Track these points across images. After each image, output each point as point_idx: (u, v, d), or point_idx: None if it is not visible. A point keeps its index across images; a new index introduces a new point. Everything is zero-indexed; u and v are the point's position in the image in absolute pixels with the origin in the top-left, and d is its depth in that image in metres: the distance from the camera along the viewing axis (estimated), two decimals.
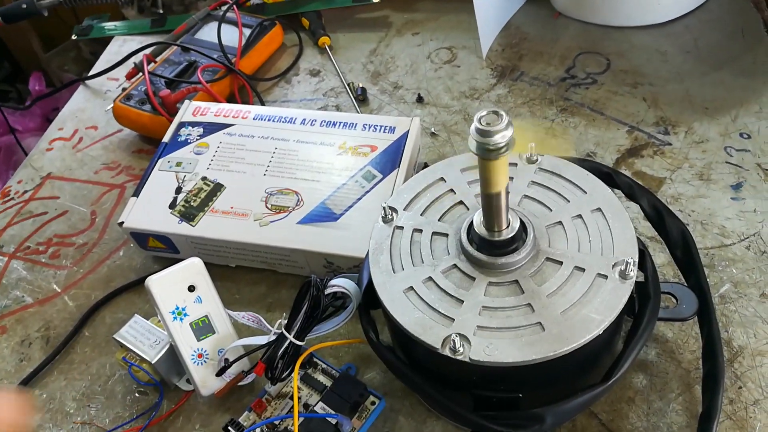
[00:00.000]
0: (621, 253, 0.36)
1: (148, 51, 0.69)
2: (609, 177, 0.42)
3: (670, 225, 0.42)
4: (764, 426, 0.39)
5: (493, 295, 0.35)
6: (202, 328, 0.44)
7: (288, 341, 0.41)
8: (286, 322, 0.41)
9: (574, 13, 0.69)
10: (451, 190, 0.41)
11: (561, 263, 0.36)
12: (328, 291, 0.41)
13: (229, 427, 0.42)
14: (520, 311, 0.35)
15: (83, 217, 0.60)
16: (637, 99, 0.60)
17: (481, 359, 0.33)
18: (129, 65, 0.70)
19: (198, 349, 0.44)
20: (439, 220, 0.40)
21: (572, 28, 0.68)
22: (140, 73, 0.67)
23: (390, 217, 0.41)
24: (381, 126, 0.55)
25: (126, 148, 0.66)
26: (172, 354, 0.44)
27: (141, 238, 0.52)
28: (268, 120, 0.57)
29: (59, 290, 0.55)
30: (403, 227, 0.40)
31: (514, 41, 0.68)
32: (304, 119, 0.57)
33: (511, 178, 0.41)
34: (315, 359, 0.45)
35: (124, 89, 0.67)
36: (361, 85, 0.66)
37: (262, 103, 0.67)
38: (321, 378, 0.44)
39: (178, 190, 0.53)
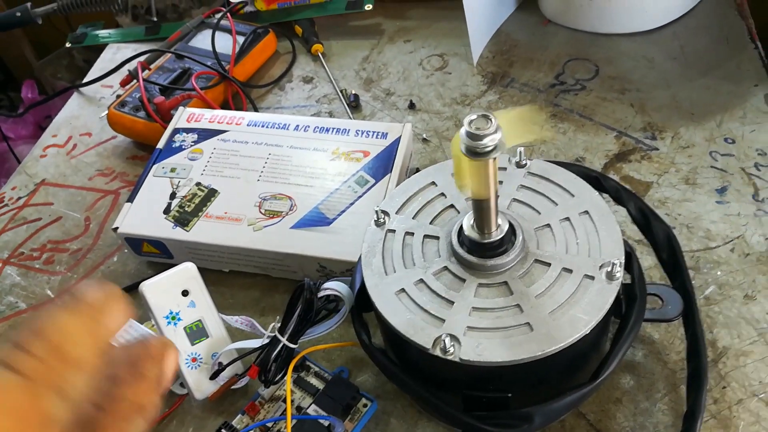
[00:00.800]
0: (608, 254, 0.37)
1: (142, 58, 0.70)
2: (597, 181, 0.43)
3: (656, 228, 0.42)
4: (747, 425, 0.39)
5: (482, 297, 0.36)
6: (196, 333, 0.45)
7: (281, 344, 0.41)
8: (279, 325, 0.42)
9: (563, 21, 0.70)
10: (442, 194, 0.42)
11: (549, 265, 0.37)
12: (320, 294, 0.42)
13: (223, 430, 0.42)
14: (510, 312, 0.35)
15: (77, 223, 0.60)
16: (625, 105, 0.61)
17: (471, 359, 0.34)
18: (123, 72, 0.70)
19: (192, 353, 0.44)
20: (430, 223, 0.41)
21: (561, 35, 0.69)
22: (134, 80, 0.67)
23: (382, 221, 0.41)
24: (373, 132, 0.56)
25: (120, 154, 0.67)
26: None
27: (135, 243, 0.53)
28: (262, 126, 0.58)
29: (53, 296, 0.55)
30: (395, 230, 0.41)
31: (505, 48, 0.69)
32: (298, 125, 0.57)
33: (500, 182, 0.41)
34: (308, 362, 0.45)
35: (118, 96, 0.68)
36: (353, 92, 0.67)
37: (256, 110, 0.68)
38: (314, 381, 0.45)
39: (173, 196, 0.54)
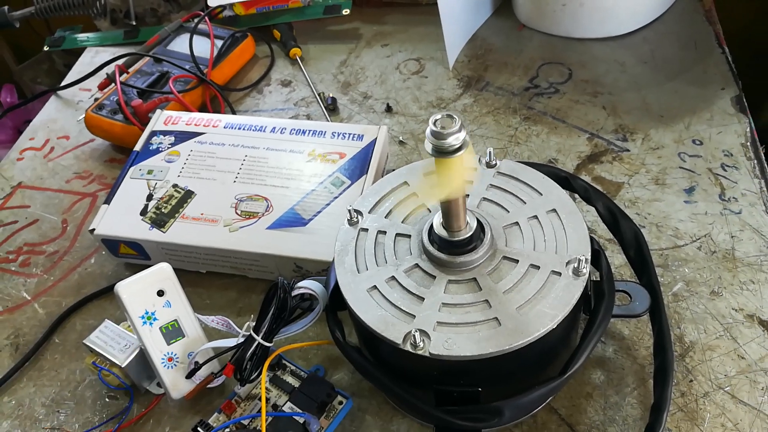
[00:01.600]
0: (574, 251, 0.38)
1: (120, 62, 0.70)
2: (566, 181, 0.44)
3: (624, 227, 0.43)
4: (713, 417, 0.41)
5: (452, 293, 0.37)
6: (172, 332, 0.45)
7: (256, 343, 0.42)
8: (254, 324, 0.42)
9: (538, 26, 0.71)
10: (414, 194, 0.43)
11: (517, 261, 0.38)
12: (295, 293, 0.42)
13: (199, 428, 0.42)
14: (478, 307, 0.36)
15: (54, 226, 0.60)
16: (597, 107, 0.62)
17: (440, 353, 0.34)
18: (101, 76, 0.71)
19: (168, 353, 0.44)
20: (402, 222, 0.41)
21: (536, 40, 0.71)
22: (112, 84, 0.67)
23: (355, 220, 0.42)
24: (349, 134, 0.56)
25: (98, 157, 0.67)
26: (143, 358, 0.45)
27: (112, 244, 0.53)
28: (239, 128, 0.58)
29: (29, 298, 0.55)
30: (368, 229, 0.41)
31: (480, 52, 0.71)
32: (274, 127, 0.58)
33: (470, 182, 0.42)
34: (284, 361, 0.46)
35: (96, 99, 0.68)
36: (331, 95, 0.68)
37: (234, 113, 0.68)
38: (290, 379, 0.45)
39: (149, 198, 0.54)
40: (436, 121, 0.32)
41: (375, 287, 0.38)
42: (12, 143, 1.20)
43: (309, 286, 0.42)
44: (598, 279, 0.40)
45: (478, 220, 0.38)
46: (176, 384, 0.44)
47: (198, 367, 0.44)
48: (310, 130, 0.57)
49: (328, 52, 0.74)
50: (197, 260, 0.52)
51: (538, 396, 0.36)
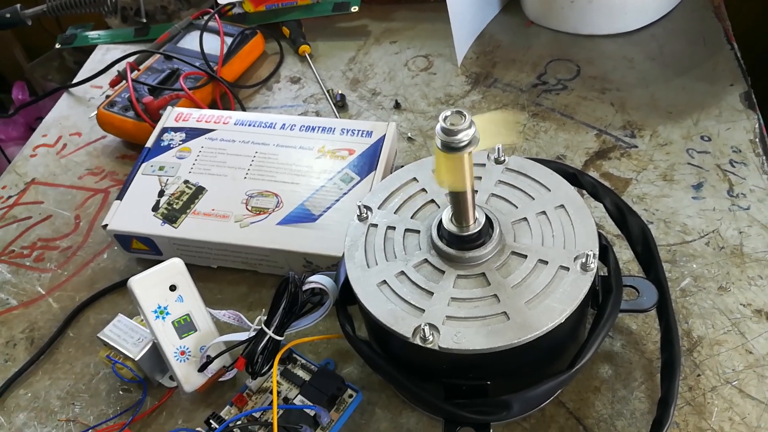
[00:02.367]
0: (582, 246, 0.38)
1: (131, 59, 0.70)
2: (574, 177, 0.45)
3: (632, 223, 0.44)
4: (721, 411, 0.41)
5: (461, 287, 0.37)
6: (184, 326, 0.45)
7: (267, 337, 0.42)
8: (265, 318, 0.43)
9: (546, 22, 0.71)
10: (423, 190, 0.43)
11: (525, 257, 0.38)
12: (305, 287, 0.43)
13: (211, 420, 0.43)
14: (487, 302, 0.36)
15: (67, 221, 0.61)
16: (605, 104, 0.62)
17: (449, 347, 0.35)
18: (113, 73, 0.71)
19: (180, 347, 0.45)
20: (411, 217, 0.42)
21: (543, 37, 0.71)
22: (124, 81, 0.68)
23: (365, 216, 0.42)
24: (358, 130, 0.57)
25: (110, 153, 0.67)
26: (155, 351, 0.46)
27: (125, 240, 0.54)
28: (249, 125, 0.59)
29: (44, 292, 0.56)
30: (377, 225, 0.42)
31: (488, 49, 0.71)
32: (284, 124, 0.58)
33: (479, 178, 0.43)
34: (294, 355, 0.46)
35: (107, 96, 0.68)
36: (340, 92, 0.68)
37: (244, 110, 0.69)
38: (300, 373, 0.46)
39: (161, 194, 0.54)
40: (446, 117, 0.32)
41: (385, 282, 0.39)
42: (24, 140, 1.22)
43: (319, 280, 0.42)
44: (606, 274, 0.40)
45: (487, 216, 0.38)
46: (189, 377, 0.45)
47: (210, 360, 0.44)
48: (319, 127, 0.58)
49: (337, 49, 0.75)
50: (208, 255, 0.53)
51: (546, 390, 0.37)
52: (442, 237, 0.39)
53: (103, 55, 0.81)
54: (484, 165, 0.43)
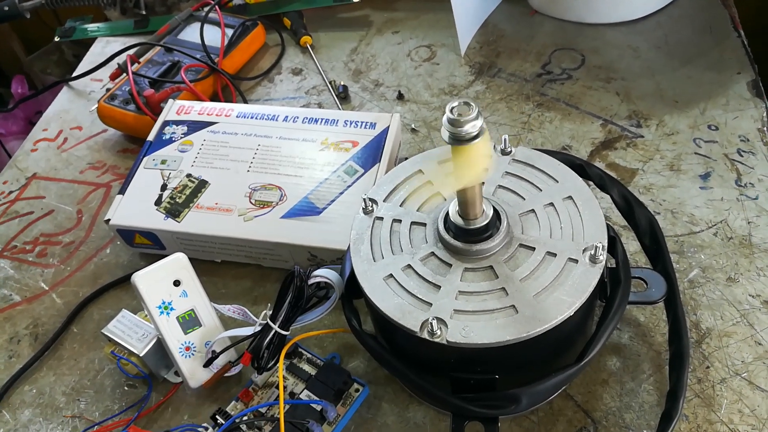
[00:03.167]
0: (591, 238, 0.38)
1: (131, 51, 0.70)
2: (581, 169, 0.44)
3: (639, 214, 0.43)
4: (730, 403, 0.41)
5: (468, 281, 0.37)
6: (189, 322, 0.45)
7: (273, 331, 0.42)
8: (271, 312, 0.42)
9: (550, 11, 0.71)
10: (429, 182, 0.43)
11: (533, 249, 0.38)
12: (311, 281, 0.42)
13: (217, 416, 0.43)
14: (495, 295, 0.36)
15: (69, 216, 0.61)
16: (611, 93, 0.61)
17: (457, 341, 0.34)
18: (113, 66, 0.71)
19: (185, 342, 0.45)
20: (417, 210, 0.41)
21: (548, 26, 0.70)
22: (124, 74, 0.67)
23: (370, 209, 0.42)
24: (362, 122, 0.56)
25: (111, 147, 0.67)
26: (160, 347, 0.45)
27: (127, 234, 0.53)
28: (251, 117, 0.58)
29: (47, 288, 0.55)
30: (382, 218, 0.41)
31: (492, 39, 0.70)
32: (287, 116, 0.58)
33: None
34: (300, 349, 0.46)
35: (108, 90, 0.68)
36: (342, 83, 0.67)
37: (245, 102, 0.68)
38: (306, 367, 0.45)
39: (164, 187, 0.54)
40: (452, 108, 0.32)
41: (391, 275, 0.38)
42: (24, 134, 1.21)
43: (325, 274, 0.42)
44: (614, 266, 0.40)
45: (494, 208, 0.38)
46: (194, 373, 0.45)
47: (215, 355, 0.44)
48: (322, 119, 0.57)
49: (339, 39, 0.74)
50: (212, 249, 0.53)
51: (554, 383, 0.37)
52: (448, 230, 0.38)
53: (102, 48, 0.80)
54: (490, 157, 0.43)
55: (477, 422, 0.38)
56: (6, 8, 0.79)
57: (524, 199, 0.40)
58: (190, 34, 0.72)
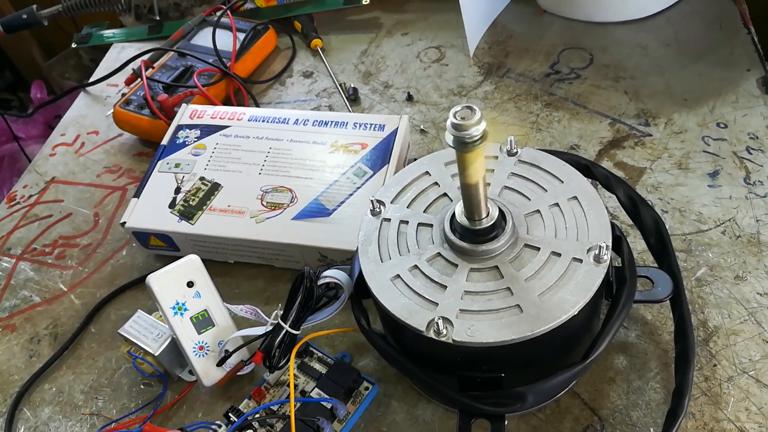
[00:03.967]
0: (595, 238, 0.38)
1: (146, 57, 0.71)
2: (587, 169, 0.44)
3: (644, 214, 0.43)
4: (737, 401, 0.41)
5: (474, 281, 0.38)
6: (202, 322, 0.46)
7: (284, 331, 0.43)
8: (282, 312, 0.43)
9: (558, 10, 0.71)
10: (436, 183, 0.43)
11: (538, 249, 0.38)
12: (321, 282, 0.43)
13: (230, 414, 0.44)
14: (500, 295, 0.37)
15: (87, 219, 0.62)
16: (619, 92, 0.62)
17: (463, 340, 0.35)
18: (128, 71, 0.72)
19: (199, 342, 0.46)
20: (424, 211, 0.42)
21: (556, 25, 0.70)
22: (139, 79, 0.69)
23: (378, 210, 0.43)
24: (371, 124, 0.57)
25: (126, 151, 0.68)
26: (175, 346, 0.46)
27: (143, 237, 0.55)
28: (263, 121, 0.59)
29: (65, 289, 0.57)
30: (390, 219, 0.42)
31: (501, 39, 0.70)
32: (297, 119, 0.59)
33: (491, 170, 0.43)
34: (311, 348, 0.47)
35: (123, 95, 0.69)
36: (352, 85, 0.68)
37: (257, 105, 0.69)
38: (317, 366, 0.46)
39: (177, 191, 0.55)
40: (456, 113, 0.32)
41: (398, 276, 0.39)
42: (43, 138, 1.23)
43: (334, 275, 0.43)
44: (620, 265, 0.40)
45: (500, 209, 0.39)
46: (207, 372, 0.46)
47: (228, 355, 0.45)
48: (332, 122, 0.58)
49: (349, 42, 0.75)
50: (225, 251, 0.54)
51: (560, 381, 0.37)
52: (455, 231, 0.39)
53: (118, 53, 0.82)
54: (496, 157, 0.44)
55: (484, 420, 0.38)
56: (25, 16, 0.81)
57: (530, 199, 0.41)
58: (203, 38, 0.74)
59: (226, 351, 0.45)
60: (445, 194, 0.43)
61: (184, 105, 0.63)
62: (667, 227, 0.43)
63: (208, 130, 0.60)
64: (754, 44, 0.62)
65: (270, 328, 0.43)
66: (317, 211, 0.52)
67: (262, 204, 0.53)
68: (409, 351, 0.40)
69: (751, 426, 0.40)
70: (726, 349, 0.43)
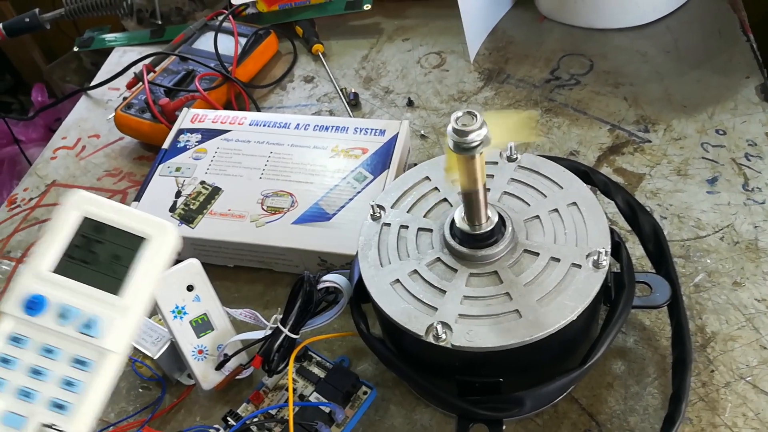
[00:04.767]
0: (594, 243, 0.38)
1: (147, 61, 0.72)
2: (586, 175, 0.45)
3: (643, 220, 0.44)
4: (734, 406, 0.41)
5: (474, 286, 0.38)
6: (202, 326, 0.46)
7: (283, 335, 0.43)
8: (281, 316, 0.44)
9: (559, 17, 0.71)
10: (436, 188, 0.44)
11: (538, 254, 0.38)
12: (320, 286, 0.43)
13: (228, 418, 0.44)
14: (499, 300, 0.37)
15: None
16: (619, 98, 0.62)
17: (462, 345, 0.35)
18: (129, 75, 0.72)
19: (198, 346, 0.46)
20: (424, 216, 0.42)
21: (556, 31, 0.70)
22: (140, 83, 0.69)
23: (378, 215, 0.43)
24: (371, 129, 0.57)
25: (127, 155, 0.69)
26: (174, 350, 0.46)
27: None
28: (264, 125, 0.60)
29: None
30: (390, 224, 0.42)
31: (501, 45, 0.71)
32: (298, 124, 0.59)
33: (491, 176, 0.43)
34: (310, 353, 0.47)
35: (124, 98, 0.70)
36: (353, 90, 0.68)
37: (258, 110, 0.69)
38: (316, 370, 0.46)
39: (178, 194, 0.55)
40: (457, 118, 0.33)
41: (398, 281, 0.39)
42: (43, 141, 1.23)
43: (334, 279, 0.43)
44: (619, 270, 0.41)
45: (500, 214, 0.39)
46: (206, 375, 0.46)
47: (227, 358, 0.45)
48: (333, 126, 0.58)
49: (350, 47, 0.75)
50: (225, 255, 0.54)
51: (558, 386, 0.37)
52: (454, 236, 0.39)
53: (119, 57, 0.82)
54: (496, 163, 0.44)
55: (482, 425, 0.38)
56: (27, 20, 0.81)
57: (529, 205, 0.41)
58: (205, 43, 0.74)
59: (225, 355, 0.45)
60: (445, 199, 0.43)
61: (185, 109, 0.63)
62: (665, 233, 0.44)
63: (209, 134, 0.60)
64: (753, 52, 0.62)
65: (269, 332, 0.44)
66: (317, 215, 0.52)
67: (263, 208, 0.53)
68: (408, 356, 0.40)
69: (748, 431, 0.40)
70: (723, 355, 0.43)
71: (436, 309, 0.37)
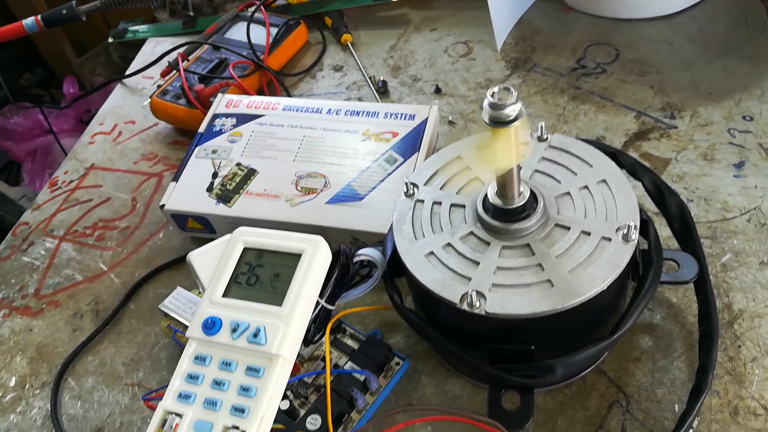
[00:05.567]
0: (624, 218, 0.39)
1: (181, 50, 0.74)
2: (614, 157, 0.45)
3: (669, 201, 0.45)
4: (761, 380, 0.42)
5: (506, 257, 0.39)
6: None
7: (320, 306, 0.44)
8: None
9: (585, 8, 0.72)
10: (467, 167, 0.45)
11: (569, 228, 0.39)
12: (356, 259, 0.45)
13: None
14: (532, 270, 0.38)
15: (125, 203, 0.65)
16: (645, 87, 0.63)
17: (495, 312, 0.37)
18: (163, 64, 0.75)
19: None
20: (456, 193, 0.44)
21: (582, 22, 0.71)
22: (174, 71, 0.71)
23: (411, 192, 0.44)
24: (402, 114, 0.59)
25: (162, 140, 0.71)
26: None
27: (181, 219, 0.57)
28: (296, 110, 0.61)
29: (106, 269, 0.59)
30: (423, 200, 0.44)
31: (527, 35, 0.72)
32: (330, 109, 0.61)
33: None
34: (344, 325, 0.49)
35: (159, 86, 0.72)
36: (382, 78, 0.70)
37: (290, 96, 0.71)
38: (349, 342, 0.48)
39: (215, 175, 0.57)
40: (493, 93, 0.34)
41: (432, 253, 0.40)
42: (75, 131, 1.27)
43: (368, 253, 0.44)
44: (647, 248, 0.42)
45: (531, 190, 0.40)
46: None
47: None
48: (364, 111, 0.60)
49: (378, 37, 0.77)
50: None
51: (588, 355, 0.38)
52: (487, 210, 0.41)
53: (153, 48, 0.85)
54: (527, 143, 0.45)
55: (513, 392, 0.40)
56: (64, 12, 0.83)
57: (560, 182, 0.42)
58: (236, 33, 0.76)
59: None
60: (477, 178, 0.44)
61: (220, 95, 0.65)
62: (692, 215, 0.45)
63: (243, 118, 0.62)
64: None
65: None
66: (350, 196, 0.54)
67: (297, 189, 0.55)
68: (442, 325, 0.41)
69: None
70: (750, 331, 0.44)
71: (469, 279, 0.38)
